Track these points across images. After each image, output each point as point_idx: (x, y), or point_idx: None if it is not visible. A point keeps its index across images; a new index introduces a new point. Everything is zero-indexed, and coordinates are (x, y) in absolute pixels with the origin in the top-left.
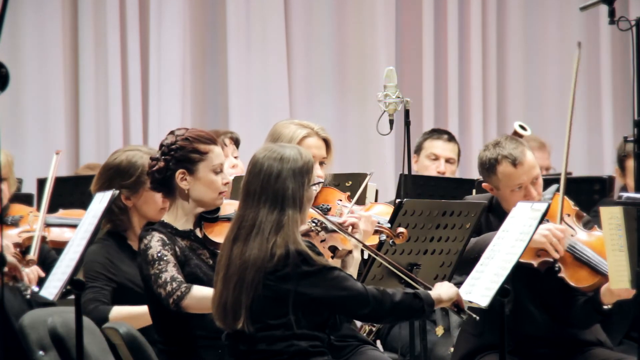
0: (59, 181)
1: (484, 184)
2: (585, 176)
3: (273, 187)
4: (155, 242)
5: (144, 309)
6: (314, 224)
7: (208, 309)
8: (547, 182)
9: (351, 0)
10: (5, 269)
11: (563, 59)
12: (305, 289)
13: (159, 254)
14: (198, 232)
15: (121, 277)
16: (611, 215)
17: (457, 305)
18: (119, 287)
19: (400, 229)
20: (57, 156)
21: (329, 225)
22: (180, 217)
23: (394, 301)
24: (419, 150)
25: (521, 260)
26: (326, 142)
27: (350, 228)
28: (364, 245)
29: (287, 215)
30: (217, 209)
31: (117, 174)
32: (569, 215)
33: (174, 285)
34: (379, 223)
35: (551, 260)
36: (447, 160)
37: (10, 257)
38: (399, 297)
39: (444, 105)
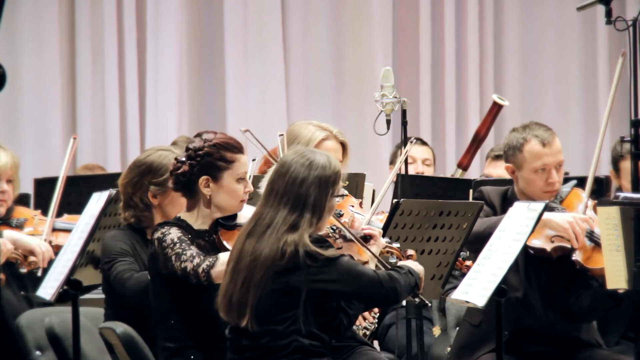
0: (57, 182)
1: (506, 165)
2: (582, 176)
3: (296, 192)
4: (175, 230)
5: None
6: (332, 231)
7: None
8: None
9: (348, 0)
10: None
11: (560, 59)
12: (318, 282)
13: (180, 238)
14: (213, 236)
15: (142, 265)
16: (608, 215)
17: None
18: None
19: (410, 252)
20: (74, 141)
21: (348, 235)
22: (198, 219)
23: (400, 280)
24: (395, 159)
25: (534, 245)
26: (343, 145)
27: (369, 239)
28: (380, 260)
29: (304, 219)
30: (235, 216)
31: (148, 171)
32: (586, 206)
33: (201, 257)
34: (388, 243)
35: (567, 246)
36: (423, 162)
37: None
38: (403, 277)
39: (440, 105)
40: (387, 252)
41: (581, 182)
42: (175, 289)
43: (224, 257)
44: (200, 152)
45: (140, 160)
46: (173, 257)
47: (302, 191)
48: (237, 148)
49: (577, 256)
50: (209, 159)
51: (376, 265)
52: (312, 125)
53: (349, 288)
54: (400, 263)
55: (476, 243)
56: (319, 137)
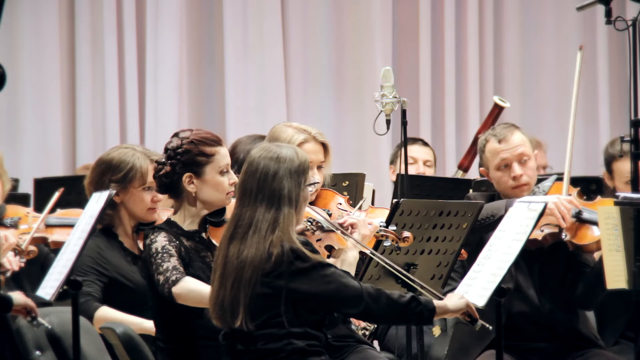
0: (56, 181)
1: (480, 169)
2: (581, 176)
3: (270, 187)
4: (161, 238)
5: (130, 317)
6: (309, 224)
7: (196, 303)
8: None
9: (348, 0)
10: (17, 308)
11: (560, 59)
12: (297, 285)
13: (164, 248)
14: (203, 234)
15: (112, 271)
16: (608, 215)
17: (469, 315)
18: (110, 281)
19: (406, 233)
20: (58, 192)
21: (325, 225)
22: (186, 219)
23: (390, 300)
24: (395, 159)
25: None
26: (324, 146)
27: (349, 228)
28: (363, 246)
29: (283, 214)
30: (223, 212)
31: (107, 169)
32: (570, 194)
33: (174, 272)
34: (385, 227)
35: (557, 231)
36: (424, 163)
37: (18, 297)
38: (396, 297)
39: (440, 105)
40: (382, 235)
41: (580, 182)
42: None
43: (192, 283)
44: (180, 150)
45: (101, 159)
46: (154, 267)
47: (275, 185)
48: (215, 141)
49: (567, 237)
50: (189, 156)
51: (366, 257)
52: (292, 128)
53: (327, 298)
54: (437, 301)
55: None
56: (297, 140)
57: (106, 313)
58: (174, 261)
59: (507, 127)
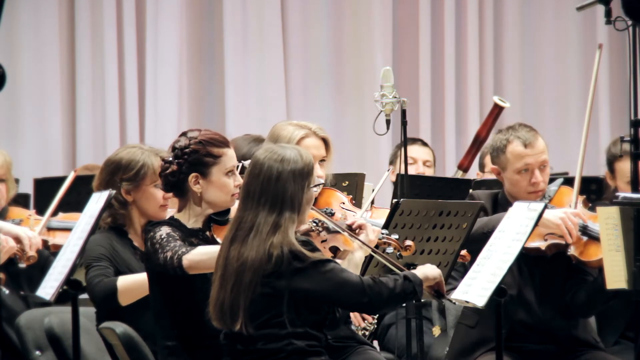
0: (57, 182)
1: (492, 167)
2: (582, 176)
3: (273, 189)
4: (165, 228)
5: None
6: (314, 224)
7: (209, 267)
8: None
9: (348, 0)
10: None
11: (560, 59)
12: (298, 284)
13: (168, 234)
14: (207, 233)
15: (122, 264)
16: (608, 215)
17: (437, 290)
18: (118, 274)
19: (408, 242)
20: (73, 173)
21: (331, 226)
22: (191, 217)
23: (389, 288)
24: (395, 159)
25: (528, 245)
26: (325, 141)
27: (357, 229)
28: (369, 247)
29: (285, 217)
30: (228, 211)
31: (117, 169)
32: (577, 201)
33: (182, 247)
34: (387, 235)
35: (562, 243)
36: (424, 163)
37: None
38: (392, 283)
39: (440, 105)
40: (385, 243)
41: (581, 182)
42: (166, 286)
43: (202, 248)
44: (187, 150)
45: (110, 159)
46: (159, 250)
47: (279, 188)
48: (223, 142)
49: (572, 251)
50: (196, 156)
51: (370, 255)
52: (292, 125)
53: (330, 294)
54: (417, 272)
55: (471, 243)
56: (298, 135)
57: (127, 279)
58: (180, 243)
59: (531, 132)
